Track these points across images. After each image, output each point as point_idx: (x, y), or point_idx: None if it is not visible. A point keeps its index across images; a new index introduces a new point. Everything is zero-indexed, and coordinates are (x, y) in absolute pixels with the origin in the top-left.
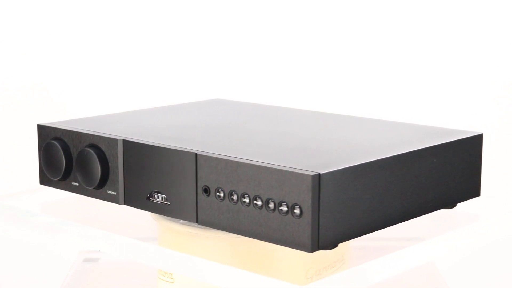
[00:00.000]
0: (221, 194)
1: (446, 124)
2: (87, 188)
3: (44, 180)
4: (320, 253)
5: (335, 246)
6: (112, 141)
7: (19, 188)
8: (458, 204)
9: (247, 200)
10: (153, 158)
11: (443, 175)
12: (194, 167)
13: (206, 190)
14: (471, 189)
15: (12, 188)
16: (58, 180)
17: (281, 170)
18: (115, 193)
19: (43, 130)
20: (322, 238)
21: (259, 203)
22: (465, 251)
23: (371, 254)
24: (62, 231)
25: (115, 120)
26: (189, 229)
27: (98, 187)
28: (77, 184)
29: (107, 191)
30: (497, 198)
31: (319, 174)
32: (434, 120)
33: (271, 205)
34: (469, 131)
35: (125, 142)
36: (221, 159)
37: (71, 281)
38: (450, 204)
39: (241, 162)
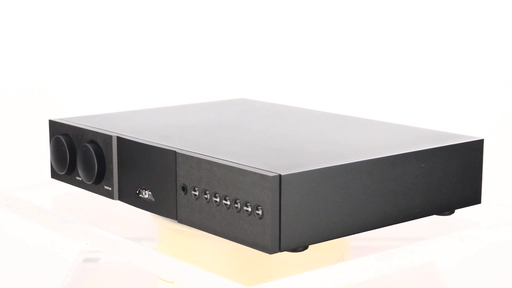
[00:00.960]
0: (196, 193)
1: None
2: (86, 183)
3: (54, 174)
4: (319, 253)
5: (305, 248)
6: (107, 138)
7: (31, 182)
8: (458, 211)
9: (217, 199)
10: (141, 155)
11: (435, 180)
12: (174, 165)
13: (184, 189)
14: (471, 196)
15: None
16: (64, 174)
17: (245, 171)
18: (110, 189)
19: (53, 126)
20: (284, 240)
21: (228, 203)
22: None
23: (371, 254)
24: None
25: (124, 118)
26: (189, 230)
27: (96, 182)
28: (80, 179)
29: (103, 187)
30: (498, 204)
31: (279, 175)
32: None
33: (237, 205)
34: (467, 136)
35: (119, 139)
36: (196, 157)
37: (71, 281)
38: (446, 210)
39: (212, 162)
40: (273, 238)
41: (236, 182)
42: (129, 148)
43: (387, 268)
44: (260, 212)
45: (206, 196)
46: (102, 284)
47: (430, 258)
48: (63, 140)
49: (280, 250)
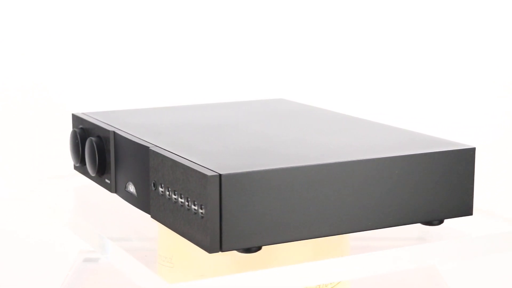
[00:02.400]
0: (162, 189)
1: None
2: (91, 175)
3: (75, 166)
4: (318, 253)
5: (259, 248)
6: (107, 133)
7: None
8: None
9: (175, 197)
10: (129, 150)
11: (417, 187)
12: (148, 161)
13: (154, 185)
14: (460, 207)
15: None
16: (79, 166)
17: (192, 169)
18: (109, 182)
19: (73, 120)
20: (226, 240)
21: (182, 200)
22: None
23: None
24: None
25: (142, 114)
26: None
27: (99, 174)
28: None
29: (105, 180)
30: (492, 214)
31: (220, 175)
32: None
33: (187, 203)
34: (458, 144)
35: (115, 134)
36: (161, 154)
37: (71, 281)
38: (433, 219)
39: (172, 159)
40: (213, 237)
41: (187, 181)
42: (122, 143)
43: (386, 269)
44: (203, 211)
45: (168, 193)
46: (102, 284)
47: (431, 261)
48: (77, 133)
49: (222, 250)
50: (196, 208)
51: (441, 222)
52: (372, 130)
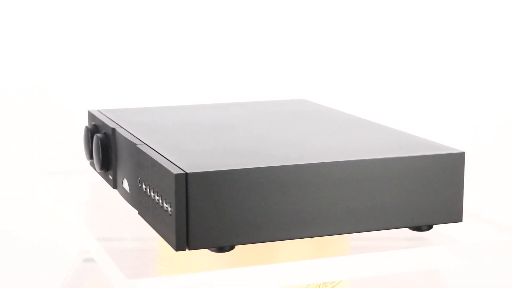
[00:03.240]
0: (144, 187)
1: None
2: (98, 171)
3: (90, 162)
4: (317, 253)
5: (232, 247)
6: (109, 130)
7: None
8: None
9: (152, 194)
10: (124, 147)
11: (401, 192)
12: (137, 159)
13: (140, 182)
14: (449, 213)
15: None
16: (91, 162)
17: (164, 167)
18: (111, 178)
19: (88, 117)
20: (193, 238)
21: (157, 198)
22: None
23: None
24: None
25: (153, 113)
26: None
27: (105, 170)
28: None
29: (108, 176)
30: (483, 220)
31: (185, 173)
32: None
33: (161, 201)
34: (448, 148)
35: (115, 131)
36: (144, 152)
37: (71, 281)
38: (420, 224)
39: (151, 157)
40: (179, 235)
41: (161, 179)
42: (120, 140)
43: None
44: (171, 208)
45: (148, 190)
46: (102, 284)
47: (432, 264)
48: (88, 130)
49: (189, 248)
50: (167, 205)
51: (430, 227)
52: (369, 132)
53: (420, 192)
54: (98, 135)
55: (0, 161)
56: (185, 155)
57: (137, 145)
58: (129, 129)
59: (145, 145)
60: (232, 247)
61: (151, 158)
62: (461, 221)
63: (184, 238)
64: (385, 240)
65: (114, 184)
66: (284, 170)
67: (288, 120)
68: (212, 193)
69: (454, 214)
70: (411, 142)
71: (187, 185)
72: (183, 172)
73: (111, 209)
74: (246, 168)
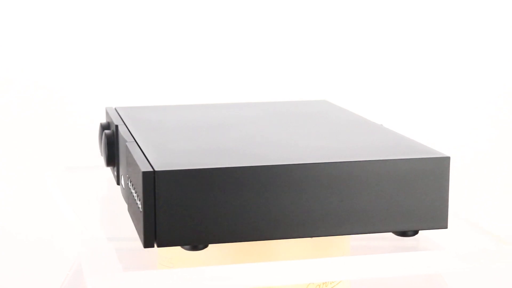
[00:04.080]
0: (129, 184)
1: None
2: (106, 166)
3: None
4: (317, 253)
5: (205, 246)
6: (114, 127)
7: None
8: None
9: (132, 191)
10: (121, 145)
11: (384, 195)
12: (126, 156)
13: (127, 179)
14: (434, 218)
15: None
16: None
17: (137, 165)
18: (116, 174)
19: (106, 114)
20: (160, 236)
21: (135, 195)
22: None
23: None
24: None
25: (166, 111)
26: None
27: (112, 166)
28: None
29: (114, 172)
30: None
31: (154, 171)
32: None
33: (136, 198)
34: (434, 151)
35: (118, 128)
36: (129, 150)
37: (71, 281)
38: (402, 229)
39: (132, 155)
40: (147, 232)
41: (135, 176)
42: (120, 137)
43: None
44: (141, 205)
45: (131, 187)
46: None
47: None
48: (101, 126)
49: (157, 245)
50: (138, 202)
51: (415, 233)
52: (366, 134)
53: (404, 196)
54: (106, 131)
55: (2, 161)
56: (165, 154)
57: (126, 142)
58: (130, 126)
59: (134, 143)
60: (205, 246)
61: (131, 155)
62: (446, 227)
63: (152, 235)
64: (385, 240)
65: (118, 180)
66: (255, 171)
67: (293, 120)
68: (181, 191)
69: (439, 220)
70: (400, 145)
71: (155, 183)
72: (152, 170)
73: (115, 207)
74: (215, 168)
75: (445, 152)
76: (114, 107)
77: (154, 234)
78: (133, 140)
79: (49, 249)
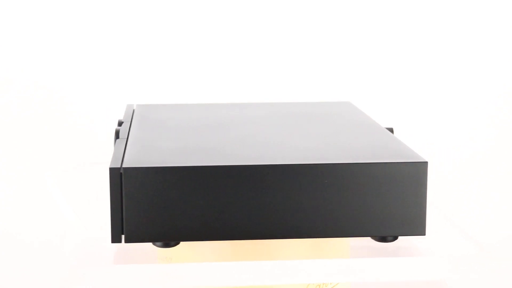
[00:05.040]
0: None
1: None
2: None
3: None
4: (316, 253)
5: (177, 243)
6: (121, 124)
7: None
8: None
9: None
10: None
11: (358, 199)
12: None
13: None
14: (412, 224)
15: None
16: None
17: (111, 161)
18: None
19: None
20: (128, 232)
21: None
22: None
23: (371, 253)
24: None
25: (186, 110)
26: None
27: None
28: None
29: None
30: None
31: (120, 168)
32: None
33: None
34: (413, 156)
35: (124, 125)
36: (116, 147)
37: (71, 281)
38: (378, 234)
39: (114, 153)
40: (114, 228)
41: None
42: (120, 135)
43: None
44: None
45: None
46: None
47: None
48: (118, 124)
49: (125, 241)
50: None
51: (395, 238)
52: (358, 136)
53: (380, 201)
54: (116, 128)
55: (2, 161)
56: (145, 152)
57: (117, 140)
58: (134, 123)
59: (123, 140)
60: (177, 243)
61: (113, 152)
62: (424, 234)
63: (119, 231)
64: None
65: None
66: (223, 170)
67: (298, 121)
68: (148, 189)
69: (416, 226)
70: (384, 149)
71: (122, 180)
72: (118, 167)
73: None
74: (182, 166)
75: (424, 157)
76: (134, 104)
77: (121, 229)
78: (125, 137)
79: (49, 249)
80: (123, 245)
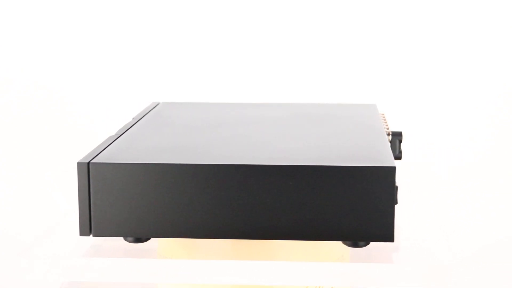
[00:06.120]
0: None
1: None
2: None
3: None
4: (317, 252)
5: (148, 239)
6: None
7: None
8: None
9: None
10: None
11: (322, 203)
12: None
13: None
14: (379, 231)
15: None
16: None
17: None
18: None
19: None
20: (95, 226)
21: None
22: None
23: (371, 253)
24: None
25: (204, 109)
26: None
27: None
28: None
29: None
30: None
31: (87, 163)
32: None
33: None
34: (380, 160)
35: (132, 122)
36: (103, 142)
37: (70, 281)
38: (344, 239)
39: (96, 148)
40: (82, 221)
41: None
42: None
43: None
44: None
45: None
46: (102, 284)
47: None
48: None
49: (93, 234)
50: None
51: (367, 243)
52: (347, 139)
53: (347, 205)
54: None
55: (2, 161)
56: (125, 148)
57: (109, 135)
58: (142, 120)
59: (114, 136)
60: (148, 238)
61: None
62: (392, 241)
63: (87, 225)
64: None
65: None
66: (186, 168)
67: (304, 122)
68: (114, 184)
69: (384, 232)
70: (362, 152)
71: (89, 174)
72: (86, 162)
73: None
74: (148, 163)
75: (392, 163)
76: (159, 102)
77: (89, 224)
78: (120, 134)
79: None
80: (122, 245)
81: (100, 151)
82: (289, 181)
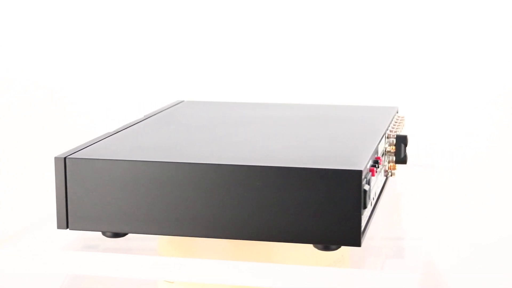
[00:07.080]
0: None
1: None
2: None
3: None
4: (316, 252)
5: (125, 234)
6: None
7: None
8: None
9: None
10: None
11: (289, 205)
12: None
13: None
14: (346, 235)
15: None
16: None
17: None
18: None
19: None
20: (72, 219)
21: None
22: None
23: (370, 253)
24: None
25: (225, 108)
26: None
27: None
28: None
29: None
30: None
31: (64, 158)
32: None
33: None
34: (348, 163)
35: (142, 118)
36: (97, 138)
37: (71, 281)
38: (311, 242)
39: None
40: (59, 214)
41: None
42: None
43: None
44: None
45: None
46: (102, 284)
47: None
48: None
49: (69, 228)
50: None
51: (338, 247)
52: (335, 141)
53: (314, 208)
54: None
55: (2, 161)
56: (110, 144)
57: (107, 132)
58: (153, 117)
59: (112, 132)
60: (125, 234)
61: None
62: (359, 245)
63: (64, 218)
64: (387, 240)
65: None
66: (159, 166)
67: (310, 123)
68: (90, 180)
69: (350, 236)
70: (337, 154)
71: (65, 169)
72: (62, 157)
73: None
74: (122, 160)
75: (360, 166)
76: (183, 100)
77: (66, 217)
78: (119, 130)
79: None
80: (123, 245)
81: (86, 146)
82: (256, 181)
